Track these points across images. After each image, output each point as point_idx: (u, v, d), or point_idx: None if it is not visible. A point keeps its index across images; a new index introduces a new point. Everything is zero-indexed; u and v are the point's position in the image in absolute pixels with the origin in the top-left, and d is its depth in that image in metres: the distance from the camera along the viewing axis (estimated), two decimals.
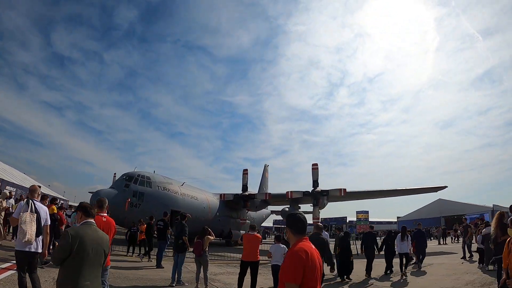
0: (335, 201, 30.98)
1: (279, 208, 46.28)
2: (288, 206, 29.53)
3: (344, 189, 25.73)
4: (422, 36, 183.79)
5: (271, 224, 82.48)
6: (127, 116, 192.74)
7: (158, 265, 12.80)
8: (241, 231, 31.35)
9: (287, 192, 27.08)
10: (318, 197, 26.24)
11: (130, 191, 21.59)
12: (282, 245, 9.05)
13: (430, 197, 63.63)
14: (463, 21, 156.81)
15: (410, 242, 14.06)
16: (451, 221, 55.51)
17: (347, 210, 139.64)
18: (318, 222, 26.36)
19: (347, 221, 78.94)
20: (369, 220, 74.60)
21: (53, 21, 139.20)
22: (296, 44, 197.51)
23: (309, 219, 41.26)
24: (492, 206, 51.17)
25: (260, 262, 9.54)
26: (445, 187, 28.50)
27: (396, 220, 75.00)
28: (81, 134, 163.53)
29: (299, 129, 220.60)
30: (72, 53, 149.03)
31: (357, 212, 75.99)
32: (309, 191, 26.69)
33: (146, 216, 21.43)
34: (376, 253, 13.86)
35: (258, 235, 9.53)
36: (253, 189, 30.60)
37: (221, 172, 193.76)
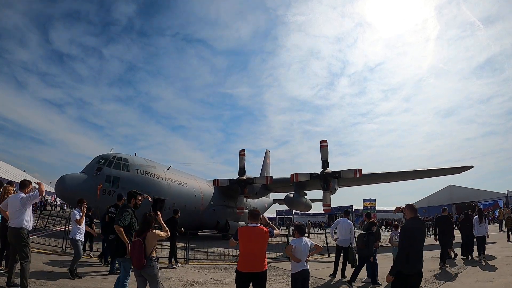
0: (347, 186, 27.12)
1: (282, 196, 42.83)
2: (293, 192, 25.57)
3: (360, 170, 21.69)
4: (422, 25, 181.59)
5: (273, 215, 78.60)
6: (128, 111, 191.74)
7: (111, 270, 8.85)
8: (240, 222, 27.58)
9: (292, 174, 23.04)
10: (329, 180, 22.26)
11: (102, 175, 17.99)
12: (306, 239, 6.04)
13: (440, 184, 61.37)
14: (464, 9, 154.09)
15: (487, 225, 13.22)
16: (463, 209, 52.07)
17: (352, 199, 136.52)
18: (329, 207, 22.81)
19: (353, 210, 75.75)
20: (376, 208, 71.95)
21: (51, 18, 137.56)
22: (296, 34, 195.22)
23: (316, 207, 37.68)
24: (506, 192, 48.14)
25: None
26: (471, 167, 24.44)
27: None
28: (82, 130, 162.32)
29: (300, 119, 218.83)
30: (71, 50, 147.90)
31: (364, 201, 73.22)
32: (317, 173, 22.72)
33: None
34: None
35: (264, 227, 5.48)
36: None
37: (223, 163, 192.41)
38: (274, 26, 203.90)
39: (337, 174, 22.30)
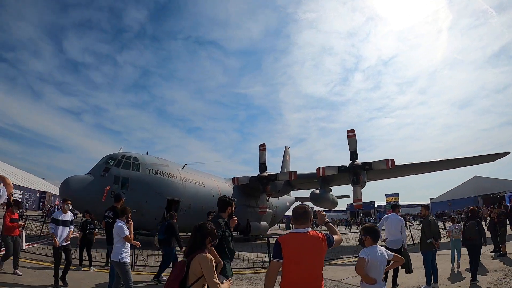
0: (376, 179, 24.96)
1: (305, 193, 40.59)
2: (319, 188, 23.53)
3: (392, 160, 19.53)
4: (434, 15, 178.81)
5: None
6: (144, 115, 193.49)
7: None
8: (261, 223, 25.65)
9: (318, 169, 20.92)
10: (359, 173, 20.12)
11: (110, 176, 16.39)
12: (381, 248, 4.11)
13: (465, 176, 59.30)
14: None
15: None
16: (489, 201, 49.48)
17: (374, 194, 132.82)
18: (360, 203, 20.82)
19: (375, 205, 73.51)
20: (400, 203, 69.42)
21: (64, 28, 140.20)
22: (308, 31, 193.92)
23: (342, 204, 35.48)
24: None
25: None
26: (507, 153, 21.92)
27: (428, 202, 68.92)
28: (99, 136, 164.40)
29: (316, 116, 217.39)
30: (85, 58, 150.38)
31: (386, 196, 70.57)
32: (346, 166, 20.58)
33: (134, 209, 16.11)
34: None
35: (319, 233, 3.40)
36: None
37: (240, 164, 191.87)
38: (285, 24, 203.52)
39: (367, 166, 20.14)
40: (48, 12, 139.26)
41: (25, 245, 8.48)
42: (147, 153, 19.90)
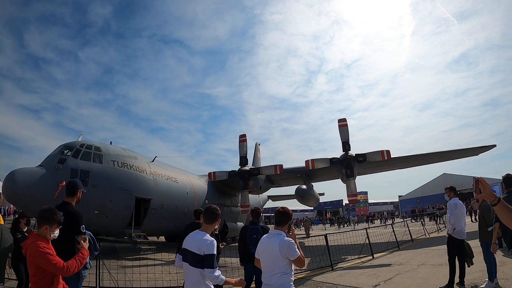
0: (367, 173, 23.29)
1: (277, 192, 38.45)
2: (303, 184, 21.42)
3: (388, 151, 17.81)
4: (398, 21, 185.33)
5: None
6: (106, 115, 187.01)
7: None
8: (238, 223, 23.22)
9: (307, 161, 18.63)
10: (352, 165, 18.10)
11: (66, 169, 13.35)
12: None
13: (433, 173, 60.09)
14: (439, 6, 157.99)
15: None
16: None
17: (342, 192, 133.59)
18: (355, 197, 19.10)
19: (343, 204, 72.75)
20: (369, 201, 69.63)
21: (25, 22, 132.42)
22: (273, 33, 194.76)
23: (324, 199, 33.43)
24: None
25: None
26: (493, 146, 21.29)
27: (397, 200, 69.16)
28: (60, 135, 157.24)
29: (279, 117, 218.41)
30: (46, 53, 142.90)
31: None
32: (337, 158, 18.49)
33: (95, 210, 13.37)
34: None
35: None
36: None
37: (203, 164, 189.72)
38: (251, 25, 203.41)
39: (361, 158, 18.25)
40: (9, 4, 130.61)
41: None
42: (111, 143, 16.95)
